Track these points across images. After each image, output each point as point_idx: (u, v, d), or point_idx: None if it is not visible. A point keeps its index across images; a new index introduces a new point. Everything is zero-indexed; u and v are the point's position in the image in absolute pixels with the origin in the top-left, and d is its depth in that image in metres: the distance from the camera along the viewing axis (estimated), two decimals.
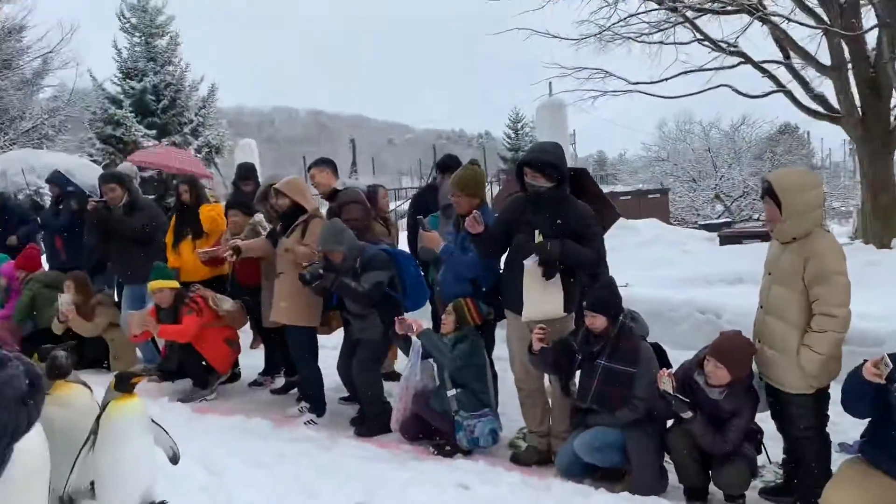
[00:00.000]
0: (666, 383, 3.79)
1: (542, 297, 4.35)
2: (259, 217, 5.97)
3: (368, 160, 54.32)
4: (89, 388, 3.65)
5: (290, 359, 5.83)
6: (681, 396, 3.76)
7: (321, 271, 4.97)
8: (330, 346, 5.97)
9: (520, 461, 4.52)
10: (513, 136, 51.34)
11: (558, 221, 4.32)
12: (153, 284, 5.96)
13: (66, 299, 6.53)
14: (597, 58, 18.94)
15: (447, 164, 6.03)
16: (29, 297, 6.99)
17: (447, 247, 4.90)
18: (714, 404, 3.80)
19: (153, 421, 3.54)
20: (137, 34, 23.00)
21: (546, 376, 4.58)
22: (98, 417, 3.36)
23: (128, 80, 22.49)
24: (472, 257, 4.81)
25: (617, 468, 4.13)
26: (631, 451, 4.00)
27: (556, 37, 13.30)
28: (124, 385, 3.45)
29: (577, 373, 4.32)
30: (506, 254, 4.64)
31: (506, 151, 50.12)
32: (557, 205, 4.37)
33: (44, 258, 7.96)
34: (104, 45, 22.78)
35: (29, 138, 20.56)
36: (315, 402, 5.45)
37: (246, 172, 7.56)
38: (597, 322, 4.15)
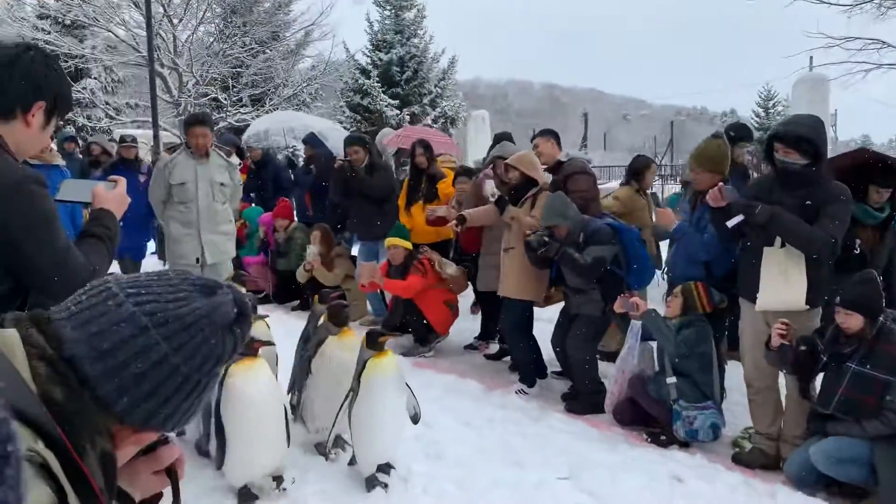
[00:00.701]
0: None
1: (782, 286, 3.91)
2: (490, 185, 6.00)
3: (600, 135, 53.16)
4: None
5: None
6: None
7: (546, 238, 4.91)
8: (545, 319, 5.93)
9: (742, 462, 4.15)
10: (762, 114, 47.16)
11: (808, 203, 3.84)
12: (390, 241, 6.29)
13: (313, 250, 7.18)
14: (872, 26, 16.72)
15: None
16: (295, 257, 7.75)
17: (681, 225, 4.59)
18: None
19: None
20: (388, 7, 24.45)
21: (780, 374, 4.14)
22: (358, 375, 3.52)
23: (376, 52, 24.04)
24: (708, 238, 4.46)
25: (858, 486, 3.65)
26: (880, 470, 3.49)
27: (824, 1, 11.91)
28: (374, 343, 3.57)
29: (820, 375, 3.86)
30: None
31: (754, 132, 46.28)
32: (809, 185, 3.88)
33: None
34: (358, 19, 24.52)
35: (290, 104, 22.73)
36: (526, 373, 5.44)
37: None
38: (851, 321, 3.65)
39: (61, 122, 5.60)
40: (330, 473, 3.83)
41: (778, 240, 3.94)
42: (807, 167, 3.86)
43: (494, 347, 6.40)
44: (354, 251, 7.86)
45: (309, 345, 4.07)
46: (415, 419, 3.79)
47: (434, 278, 6.23)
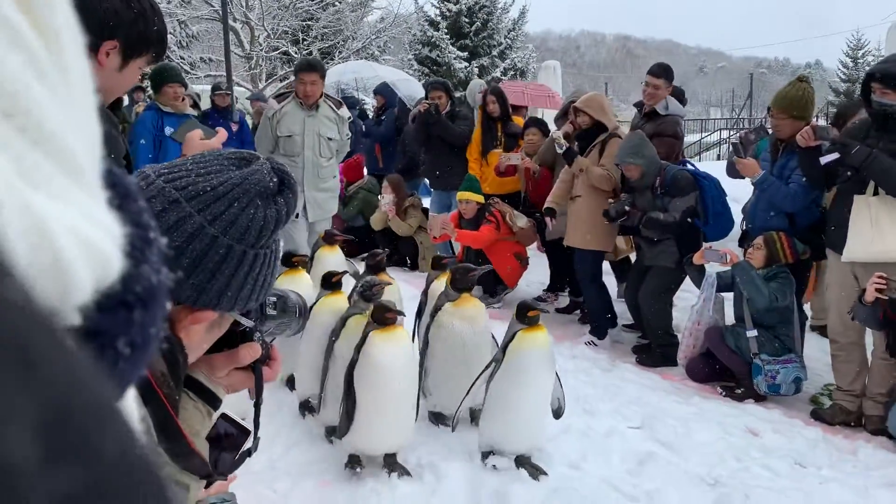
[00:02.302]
0: None
1: (872, 236, 3.72)
2: (558, 133, 5.89)
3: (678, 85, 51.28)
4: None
5: (574, 278, 5.81)
6: None
7: (627, 207, 4.79)
8: (607, 271, 5.84)
9: (823, 419, 4.03)
10: (850, 65, 44.57)
11: None
12: (462, 195, 6.24)
13: (387, 199, 7.24)
14: None
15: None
16: (358, 206, 7.81)
17: (765, 175, 4.40)
18: None
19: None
20: None
21: (867, 330, 3.97)
22: (505, 345, 3.18)
23: (445, 3, 23.68)
24: (792, 189, 4.27)
25: None
26: None
27: None
28: (524, 316, 3.18)
29: None
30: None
31: (840, 84, 43.79)
32: None
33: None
34: None
35: (358, 57, 22.72)
36: (598, 323, 5.38)
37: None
38: None
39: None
40: (444, 448, 3.41)
41: (870, 188, 3.75)
42: None
43: (564, 300, 6.36)
44: (426, 202, 7.87)
45: (425, 312, 3.74)
46: (557, 413, 3.35)
47: (506, 231, 6.21)
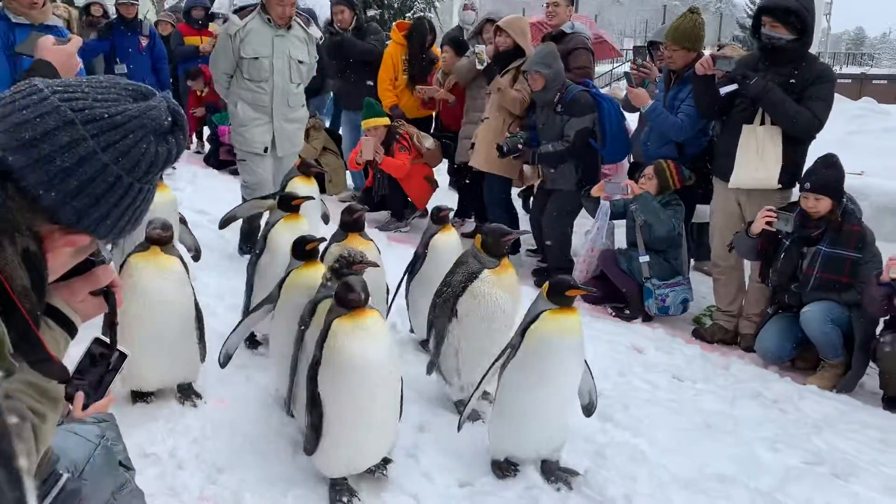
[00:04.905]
0: None
1: (757, 164, 3.93)
2: (481, 48, 5.77)
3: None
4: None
5: (482, 203, 5.88)
6: None
7: (520, 146, 4.82)
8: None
9: (703, 337, 4.31)
10: (758, 0, 45.69)
11: (792, 81, 3.81)
12: (368, 122, 6.05)
13: None
14: None
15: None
16: None
17: (655, 104, 4.53)
18: None
19: None
20: None
21: None
22: (524, 328, 2.56)
23: None
24: (682, 119, 4.43)
25: (810, 361, 3.90)
26: (855, 325, 3.68)
27: None
28: (559, 296, 2.55)
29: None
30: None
31: (747, 20, 44.91)
32: (795, 62, 3.83)
33: None
34: None
35: None
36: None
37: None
38: (821, 205, 3.71)
39: None
40: (457, 446, 2.85)
41: (758, 118, 3.93)
42: (793, 42, 3.81)
43: (471, 225, 6.44)
44: (327, 123, 7.69)
45: (454, 280, 3.00)
46: (589, 409, 2.81)
47: (415, 153, 6.18)
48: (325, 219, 4.72)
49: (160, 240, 2.97)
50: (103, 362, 1.47)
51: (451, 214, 3.75)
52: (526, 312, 2.64)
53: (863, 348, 3.63)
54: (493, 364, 2.64)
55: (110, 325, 1.29)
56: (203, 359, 3.16)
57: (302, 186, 4.28)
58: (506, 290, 2.93)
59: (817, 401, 3.54)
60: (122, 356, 1.47)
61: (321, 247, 3.13)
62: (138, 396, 3.07)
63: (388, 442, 2.60)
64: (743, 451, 3.02)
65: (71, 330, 1.21)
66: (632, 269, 4.53)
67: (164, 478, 2.59)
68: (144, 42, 7.16)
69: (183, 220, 4.15)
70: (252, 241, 4.65)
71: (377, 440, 2.54)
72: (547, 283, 2.59)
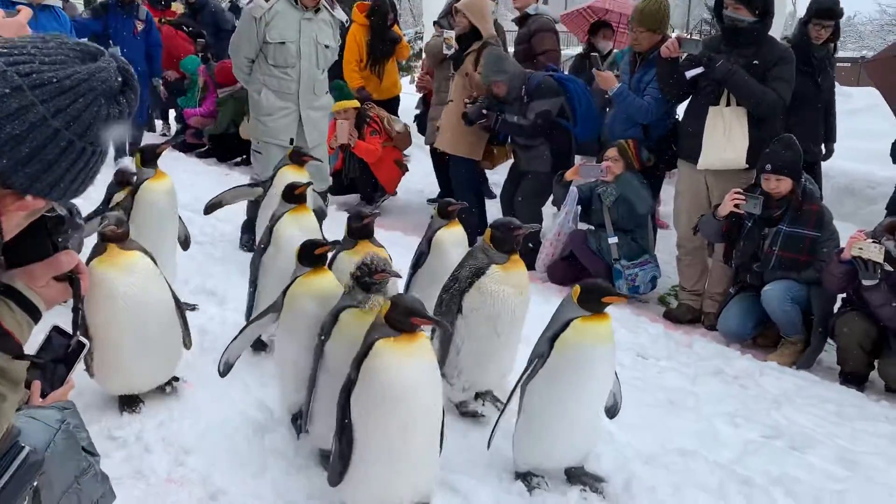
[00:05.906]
0: (867, 249, 3.35)
1: (725, 145, 4.00)
2: (450, 33, 5.75)
3: None
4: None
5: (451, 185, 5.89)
6: (878, 261, 3.33)
7: (484, 111, 4.83)
8: (491, 183, 5.95)
9: (672, 318, 4.38)
10: None
11: (755, 62, 3.87)
12: (337, 105, 5.99)
13: None
14: None
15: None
16: (228, 114, 7.44)
17: (621, 87, 4.57)
18: None
19: None
20: None
21: None
22: (553, 336, 2.40)
23: None
24: (647, 101, 4.47)
25: (771, 339, 3.98)
26: (814, 302, 3.77)
27: None
28: (595, 303, 2.38)
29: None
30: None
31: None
32: (757, 43, 3.89)
33: None
34: None
35: None
36: (470, 230, 5.47)
37: None
38: (782, 186, 3.79)
39: None
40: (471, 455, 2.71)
41: (723, 99, 3.99)
42: (755, 24, 3.87)
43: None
44: None
45: (461, 275, 2.84)
46: (612, 411, 2.71)
47: (385, 136, 6.18)
48: (322, 214, 4.28)
49: (116, 237, 2.76)
50: (61, 349, 1.47)
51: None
52: (552, 318, 2.48)
53: (821, 325, 3.72)
54: (521, 378, 2.49)
55: (73, 310, 1.28)
56: (189, 346, 3.06)
57: (293, 176, 3.99)
58: (514, 287, 2.78)
59: (777, 377, 3.63)
60: (81, 344, 1.47)
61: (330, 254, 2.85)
62: (126, 404, 2.88)
63: (425, 483, 2.29)
64: (704, 427, 3.10)
65: (34, 314, 1.20)
66: (601, 247, 4.58)
67: (131, 461, 2.59)
68: (140, 27, 7.00)
69: None
70: (253, 235, 4.42)
71: (413, 480, 2.24)
72: (578, 287, 2.41)
